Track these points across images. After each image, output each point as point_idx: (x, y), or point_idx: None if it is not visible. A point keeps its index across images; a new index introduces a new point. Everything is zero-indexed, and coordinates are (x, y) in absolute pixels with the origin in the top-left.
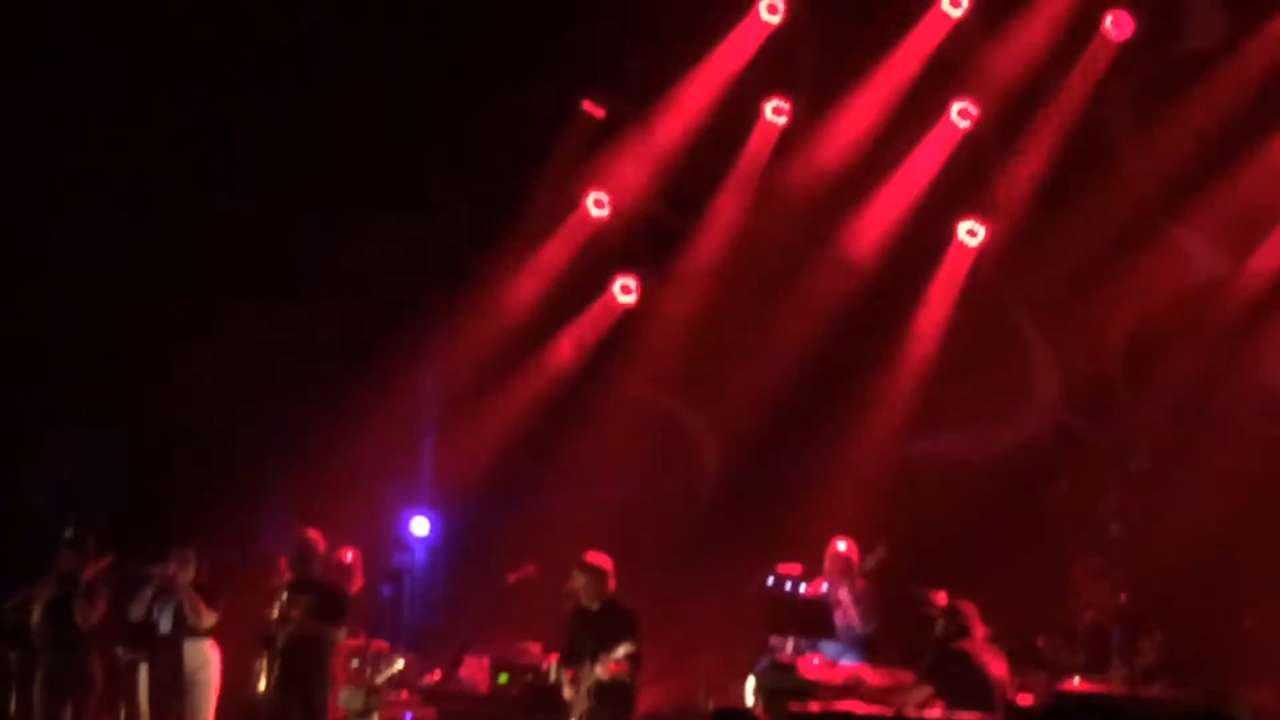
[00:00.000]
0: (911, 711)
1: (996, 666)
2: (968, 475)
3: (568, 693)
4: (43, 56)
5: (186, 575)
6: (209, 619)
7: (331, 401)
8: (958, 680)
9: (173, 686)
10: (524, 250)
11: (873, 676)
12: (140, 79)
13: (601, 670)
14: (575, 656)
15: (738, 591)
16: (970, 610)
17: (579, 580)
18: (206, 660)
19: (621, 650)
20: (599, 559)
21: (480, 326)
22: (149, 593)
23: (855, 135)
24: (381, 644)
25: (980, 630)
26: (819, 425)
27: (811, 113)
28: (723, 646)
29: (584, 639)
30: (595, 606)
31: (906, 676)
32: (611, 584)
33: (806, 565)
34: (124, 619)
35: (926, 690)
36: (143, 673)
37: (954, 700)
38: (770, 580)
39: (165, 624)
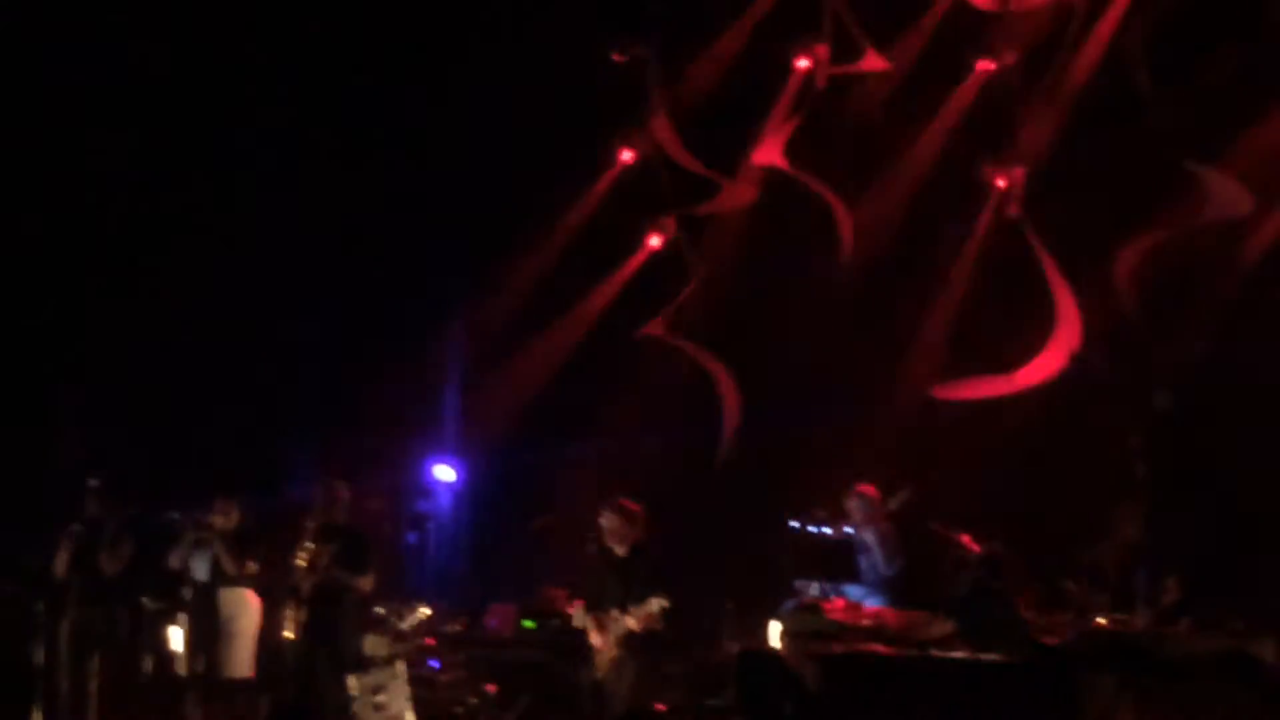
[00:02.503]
0: (937, 651)
1: (1024, 608)
2: (993, 418)
3: (595, 639)
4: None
5: (228, 524)
6: (246, 568)
7: (357, 349)
8: (986, 619)
9: (208, 634)
10: (550, 197)
11: (896, 618)
12: None
13: (633, 622)
14: (602, 603)
15: (763, 535)
16: (1002, 551)
17: (610, 521)
18: (244, 609)
19: (655, 604)
20: (632, 504)
21: (506, 274)
22: (188, 541)
23: (884, 80)
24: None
25: (1011, 571)
26: (845, 371)
27: (840, 59)
28: (748, 589)
29: (610, 585)
30: (622, 552)
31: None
32: (641, 532)
33: (832, 508)
34: (152, 569)
35: (948, 625)
36: (181, 622)
37: (982, 638)
38: (795, 523)
39: (201, 572)
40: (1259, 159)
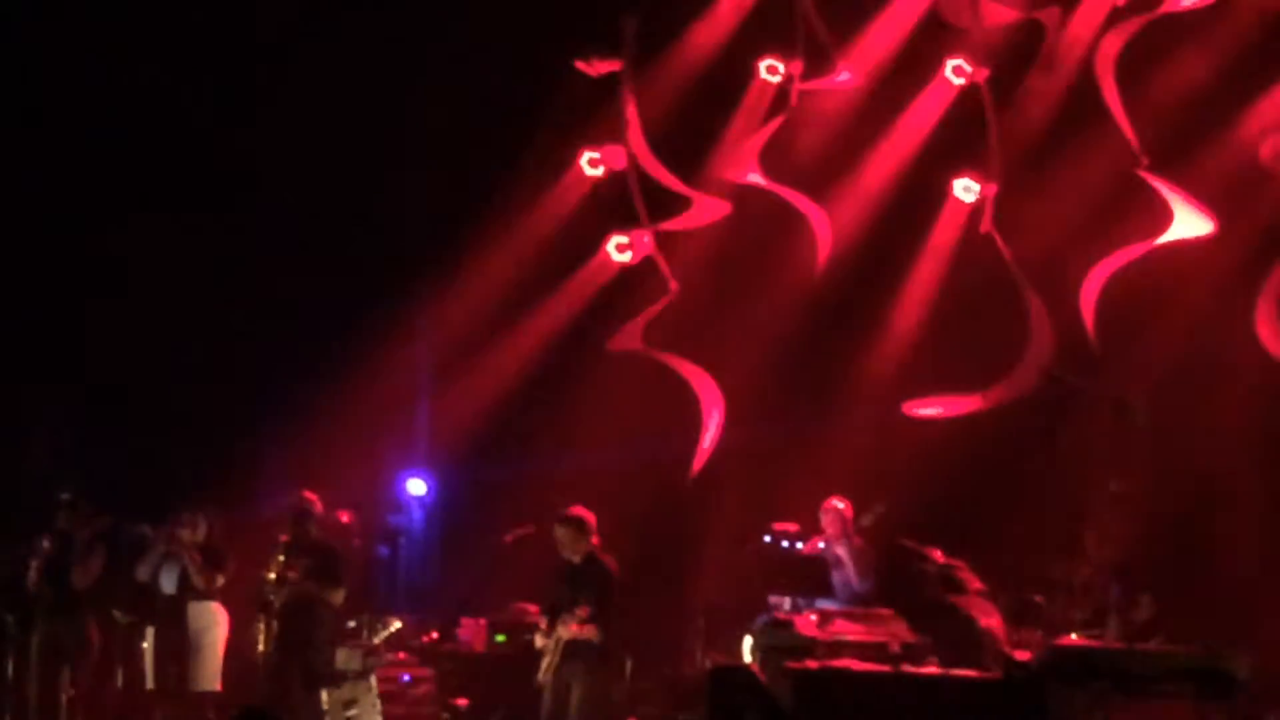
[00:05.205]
0: (909, 666)
1: (988, 620)
2: (964, 433)
3: (539, 642)
4: None
5: (195, 538)
6: (214, 581)
7: (327, 363)
8: (948, 634)
9: (176, 648)
10: (518, 210)
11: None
12: None
13: (563, 630)
14: (555, 609)
15: (735, 549)
16: (962, 565)
17: (559, 533)
18: (212, 622)
19: (577, 615)
20: (580, 512)
21: (475, 286)
22: (156, 554)
23: (851, 92)
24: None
25: (973, 585)
26: (815, 385)
27: (807, 70)
28: (720, 604)
29: (564, 592)
30: (577, 560)
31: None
32: (594, 538)
33: (805, 523)
34: (123, 581)
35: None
36: (149, 635)
37: (944, 654)
38: (767, 538)
39: (169, 585)
40: (1226, 168)
